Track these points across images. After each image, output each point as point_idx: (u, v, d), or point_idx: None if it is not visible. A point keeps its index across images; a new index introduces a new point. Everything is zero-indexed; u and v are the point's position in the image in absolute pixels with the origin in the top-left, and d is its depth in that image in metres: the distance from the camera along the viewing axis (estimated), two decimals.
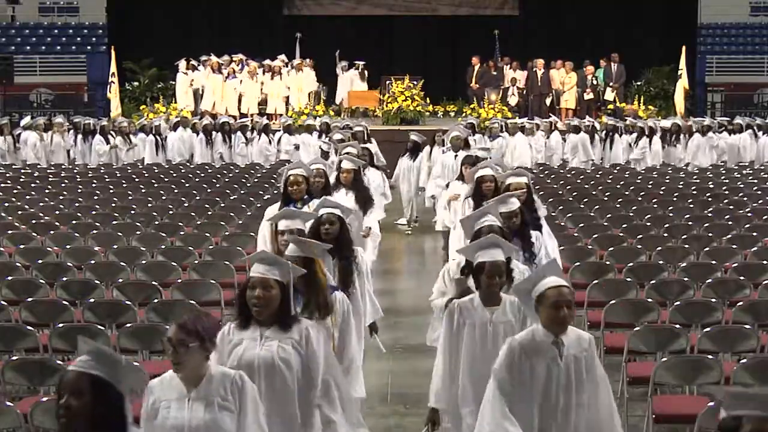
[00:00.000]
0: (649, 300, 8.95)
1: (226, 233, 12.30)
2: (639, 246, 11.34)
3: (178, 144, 21.34)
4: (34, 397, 6.83)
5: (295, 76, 25.95)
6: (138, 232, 12.22)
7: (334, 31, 29.24)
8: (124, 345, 7.99)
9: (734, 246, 11.37)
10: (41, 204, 14.46)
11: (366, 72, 26.74)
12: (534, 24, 30.01)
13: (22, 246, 11.46)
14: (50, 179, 17.24)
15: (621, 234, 12.13)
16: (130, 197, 15.21)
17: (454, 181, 11.62)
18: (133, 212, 13.85)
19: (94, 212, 13.76)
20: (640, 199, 14.92)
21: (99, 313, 8.69)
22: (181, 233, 12.18)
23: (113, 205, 14.49)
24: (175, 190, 15.92)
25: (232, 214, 13.52)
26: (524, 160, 19.75)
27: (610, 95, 26.42)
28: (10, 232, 12.21)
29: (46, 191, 15.79)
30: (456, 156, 13.91)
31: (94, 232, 12.21)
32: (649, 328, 8.15)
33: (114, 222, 12.95)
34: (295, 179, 9.12)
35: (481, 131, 21.34)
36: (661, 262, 10.53)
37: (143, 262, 10.65)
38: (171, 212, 13.83)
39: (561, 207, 14.09)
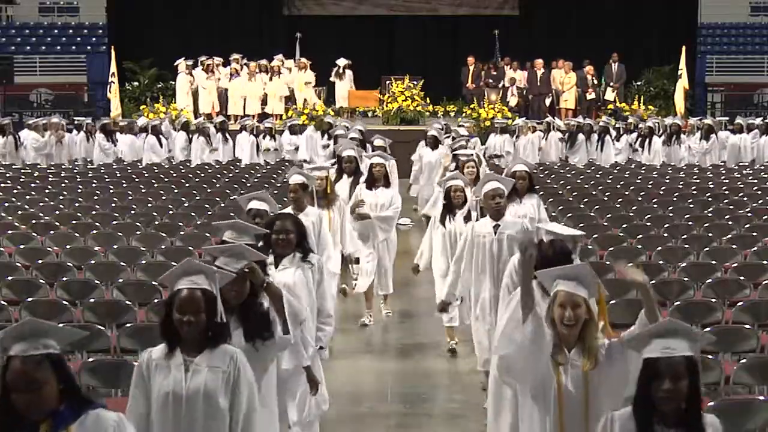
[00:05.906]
0: None
1: None
2: (639, 246, 11.34)
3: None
4: None
5: (297, 74, 25.89)
6: (138, 232, 12.21)
7: (334, 31, 29.26)
8: (124, 345, 7.98)
9: (734, 246, 11.35)
10: (41, 204, 14.44)
11: (348, 71, 26.48)
12: (534, 24, 30.04)
13: (22, 246, 11.44)
14: (50, 179, 17.23)
15: (621, 234, 12.12)
16: (130, 197, 15.20)
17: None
18: (133, 212, 13.84)
19: (94, 212, 13.75)
20: (640, 199, 14.90)
21: (99, 313, 8.68)
22: (181, 233, 12.18)
23: (113, 205, 14.48)
24: (175, 190, 15.90)
25: (232, 214, 13.48)
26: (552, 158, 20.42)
27: (610, 95, 26.44)
28: (10, 232, 12.19)
29: (46, 191, 15.78)
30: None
31: (94, 232, 12.19)
32: None
33: (114, 222, 12.94)
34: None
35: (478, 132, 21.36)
36: (661, 262, 10.53)
37: (143, 262, 10.64)
38: (171, 212, 13.82)
39: (561, 207, 14.06)
